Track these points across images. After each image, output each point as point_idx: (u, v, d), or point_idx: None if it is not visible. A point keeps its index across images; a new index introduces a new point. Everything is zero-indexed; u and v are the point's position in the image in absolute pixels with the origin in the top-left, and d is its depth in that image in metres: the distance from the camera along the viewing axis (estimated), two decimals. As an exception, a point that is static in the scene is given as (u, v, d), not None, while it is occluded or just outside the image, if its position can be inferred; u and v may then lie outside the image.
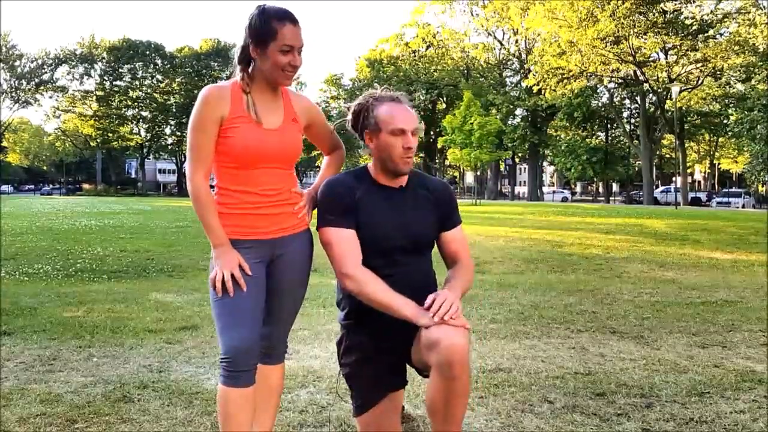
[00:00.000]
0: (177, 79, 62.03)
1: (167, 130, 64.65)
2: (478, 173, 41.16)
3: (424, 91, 52.12)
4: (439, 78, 51.93)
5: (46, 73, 60.70)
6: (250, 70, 2.12)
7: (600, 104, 46.28)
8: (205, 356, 3.92)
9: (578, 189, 71.45)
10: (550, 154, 51.17)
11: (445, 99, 54.75)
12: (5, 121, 61.48)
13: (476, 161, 31.69)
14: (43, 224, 16.37)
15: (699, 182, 66.94)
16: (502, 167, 59.56)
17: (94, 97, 61.71)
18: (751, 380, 3.44)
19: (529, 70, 41.04)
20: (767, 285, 7.23)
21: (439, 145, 37.43)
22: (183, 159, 57.52)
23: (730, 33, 34.03)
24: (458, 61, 52.99)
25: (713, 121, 44.64)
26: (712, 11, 34.96)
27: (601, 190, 54.70)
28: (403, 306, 2.06)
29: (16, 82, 59.59)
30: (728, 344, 4.30)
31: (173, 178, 73.44)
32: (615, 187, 59.36)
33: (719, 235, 13.49)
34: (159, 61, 62.28)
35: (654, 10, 34.66)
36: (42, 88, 60.49)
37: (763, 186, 42.47)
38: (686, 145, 46.98)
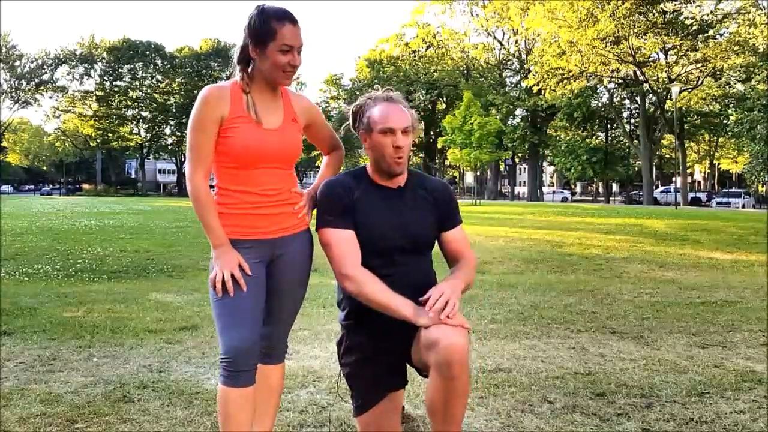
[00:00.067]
0: (177, 80, 62.04)
1: (167, 130, 64.66)
2: (478, 173, 41.15)
3: (424, 91, 52.13)
4: (439, 78, 51.92)
5: (46, 73, 60.73)
6: (249, 70, 2.12)
7: (600, 104, 46.27)
8: (205, 356, 3.92)
9: (578, 189, 71.46)
10: (550, 154, 51.17)
11: (445, 99, 54.74)
12: (5, 121, 61.51)
13: (476, 161, 31.69)
14: (43, 224, 16.37)
15: (699, 182, 66.95)
16: (502, 167, 59.56)
17: (94, 98, 61.72)
18: (751, 380, 3.44)
19: (529, 71, 41.05)
20: (767, 285, 7.23)
21: (439, 146, 37.44)
22: (183, 159, 57.49)
23: (730, 33, 34.04)
24: (458, 62, 52.98)
25: (713, 121, 44.63)
26: (712, 11, 34.96)
27: (601, 190, 54.70)
28: (402, 306, 2.06)
29: (16, 82, 59.61)
30: (728, 344, 4.30)
31: (173, 178, 73.46)
32: (615, 188, 59.37)
33: (719, 235, 13.49)
34: (159, 62, 62.29)
35: (654, 11, 34.65)
36: (42, 88, 60.50)
37: (763, 186, 42.48)
38: (686, 145, 46.97)
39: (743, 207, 35.54)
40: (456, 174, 64.71)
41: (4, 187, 62.71)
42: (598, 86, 42.58)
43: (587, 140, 48.03)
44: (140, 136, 64.71)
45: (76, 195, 58.06)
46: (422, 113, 49.46)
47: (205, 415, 2.87)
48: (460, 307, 2.03)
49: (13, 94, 59.73)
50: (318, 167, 2.53)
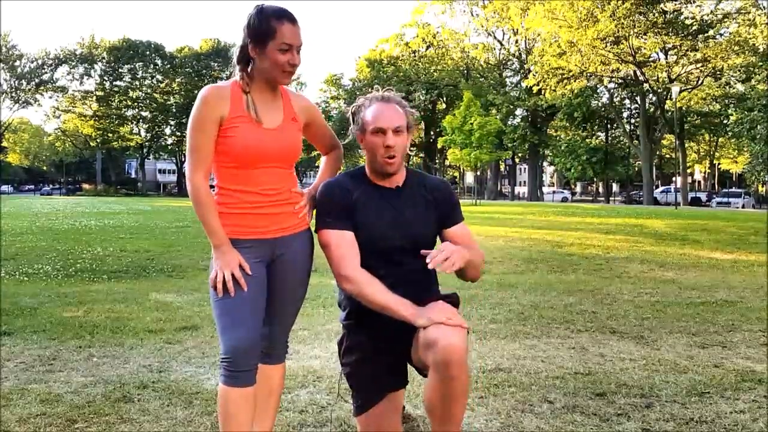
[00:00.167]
0: (177, 79, 62.04)
1: (167, 130, 64.67)
2: (478, 173, 41.18)
3: (424, 91, 52.13)
4: (439, 78, 51.92)
5: (46, 73, 60.72)
6: (249, 69, 2.12)
7: (600, 104, 46.28)
8: (205, 356, 3.92)
9: (578, 189, 71.45)
10: (550, 154, 51.19)
11: (445, 99, 54.74)
12: (5, 121, 61.51)
13: (476, 161, 31.72)
14: (43, 224, 16.38)
15: (699, 182, 66.93)
16: (502, 167, 59.57)
17: (94, 97, 61.72)
18: (751, 380, 3.44)
19: (529, 70, 41.05)
20: (767, 285, 7.23)
21: (439, 145, 37.47)
22: (183, 159, 57.43)
23: (730, 33, 34.07)
24: (458, 62, 53.00)
25: (713, 121, 44.63)
26: (712, 11, 34.99)
27: (601, 190, 54.71)
28: (401, 307, 2.05)
29: (16, 82, 59.62)
30: (728, 344, 4.30)
31: (173, 178, 73.47)
32: (615, 187, 59.37)
33: (719, 235, 13.50)
34: (159, 62, 62.29)
35: (654, 11, 34.68)
36: (42, 88, 60.50)
37: (763, 186, 42.48)
38: (686, 145, 46.97)
39: (743, 207, 35.56)
40: (456, 174, 64.67)
41: (4, 187, 62.72)
42: (598, 86, 42.61)
43: (587, 140, 48.05)
44: (140, 136, 64.72)
45: (76, 195, 58.08)
46: (422, 113, 49.46)
47: (205, 415, 2.87)
48: (460, 307, 2.03)
49: (13, 94, 59.74)
50: (318, 167, 2.52)
